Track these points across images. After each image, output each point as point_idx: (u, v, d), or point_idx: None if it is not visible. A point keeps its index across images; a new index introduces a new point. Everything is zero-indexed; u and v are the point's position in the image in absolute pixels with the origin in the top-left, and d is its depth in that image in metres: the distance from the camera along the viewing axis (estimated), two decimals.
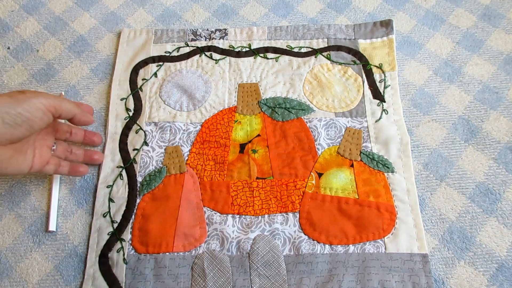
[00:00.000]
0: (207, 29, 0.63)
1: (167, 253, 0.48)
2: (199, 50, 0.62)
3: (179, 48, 0.62)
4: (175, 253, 0.48)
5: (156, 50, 0.62)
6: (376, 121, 0.56)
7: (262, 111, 0.57)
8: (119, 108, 0.58)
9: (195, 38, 0.63)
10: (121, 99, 0.58)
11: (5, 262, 0.49)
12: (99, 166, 0.54)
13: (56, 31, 0.65)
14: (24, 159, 0.45)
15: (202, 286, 0.46)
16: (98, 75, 0.61)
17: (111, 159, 0.54)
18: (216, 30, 0.63)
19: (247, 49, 0.62)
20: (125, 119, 0.57)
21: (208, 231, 0.49)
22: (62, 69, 0.62)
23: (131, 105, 0.58)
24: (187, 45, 0.62)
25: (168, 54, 0.61)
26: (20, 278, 0.48)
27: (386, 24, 0.62)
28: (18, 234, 0.50)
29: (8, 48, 0.64)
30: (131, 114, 0.57)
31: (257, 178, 0.52)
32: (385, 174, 0.52)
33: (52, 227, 0.50)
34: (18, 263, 0.49)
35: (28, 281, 0.48)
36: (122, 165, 0.53)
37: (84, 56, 0.63)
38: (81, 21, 0.66)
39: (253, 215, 0.50)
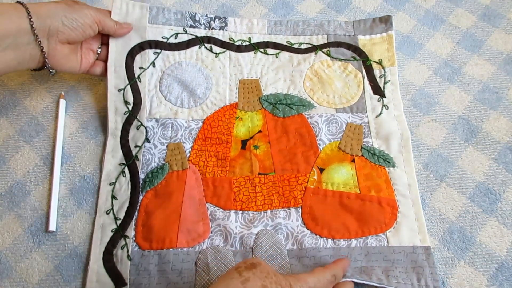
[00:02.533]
0: (206, 15, 0.62)
1: (171, 249, 0.48)
2: (199, 41, 0.61)
3: (177, 34, 0.60)
4: (179, 249, 0.48)
5: (152, 34, 0.59)
6: (376, 117, 0.56)
7: (263, 107, 0.57)
8: (117, 101, 0.56)
9: (194, 24, 0.61)
10: (119, 90, 0.56)
11: (5, 262, 0.49)
12: (101, 164, 0.54)
13: None
14: (76, 58, 0.54)
15: (206, 280, 0.46)
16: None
17: (112, 156, 0.54)
18: (215, 17, 0.62)
19: (247, 43, 0.61)
20: (124, 114, 0.56)
21: (211, 227, 0.50)
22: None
23: (129, 98, 0.56)
24: (186, 32, 0.61)
25: (165, 40, 0.60)
26: (20, 278, 0.48)
27: (385, 20, 0.63)
28: (18, 234, 0.50)
29: None
30: (130, 108, 0.56)
31: (259, 174, 0.53)
32: (386, 168, 0.52)
33: (52, 227, 0.50)
34: (18, 263, 0.49)
35: (28, 281, 0.48)
36: (124, 162, 0.53)
37: None
38: None
39: (255, 211, 0.50)
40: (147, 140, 0.55)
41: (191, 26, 0.61)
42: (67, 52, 0.52)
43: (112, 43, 0.57)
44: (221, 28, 0.62)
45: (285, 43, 0.62)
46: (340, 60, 0.60)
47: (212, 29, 0.62)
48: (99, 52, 0.57)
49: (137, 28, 0.59)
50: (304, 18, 0.66)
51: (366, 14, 0.66)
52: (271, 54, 0.61)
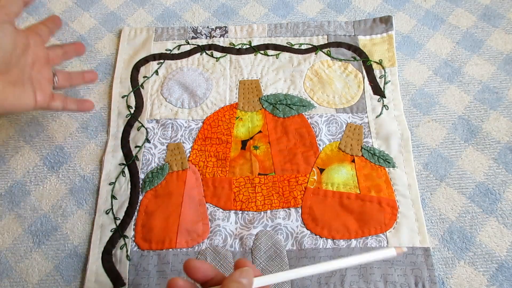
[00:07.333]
0: (208, 27, 0.64)
1: (170, 249, 0.48)
2: (200, 49, 0.62)
3: (179, 46, 0.62)
4: (178, 249, 0.48)
5: (156, 48, 0.62)
6: (376, 117, 0.56)
7: (263, 107, 0.57)
8: (120, 106, 0.58)
9: (195, 36, 0.63)
10: (122, 97, 0.58)
11: (5, 262, 0.49)
12: (101, 164, 0.54)
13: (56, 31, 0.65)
14: (23, 92, 0.44)
15: None
16: (98, 75, 0.61)
17: (113, 156, 0.54)
18: (216, 27, 0.64)
19: (248, 46, 0.62)
20: (126, 117, 0.57)
21: (210, 227, 0.50)
22: (62, 69, 0.62)
23: (132, 102, 0.58)
24: (188, 43, 0.63)
25: (168, 52, 0.62)
26: (20, 278, 0.48)
27: (386, 21, 0.63)
28: (18, 234, 0.50)
29: None
30: (132, 111, 0.57)
31: (259, 174, 0.53)
32: (386, 169, 0.52)
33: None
34: (18, 263, 0.49)
35: (28, 281, 0.48)
36: (124, 162, 0.54)
37: (84, 56, 0.63)
38: (81, 21, 0.66)
39: (255, 211, 0.50)
40: (147, 140, 0.55)
41: (192, 38, 0.63)
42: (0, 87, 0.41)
43: (119, 60, 0.61)
44: (222, 35, 0.63)
45: (285, 44, 0.62)
46: (340, 60, 0.60)
47: (213, 37, 0.63)
48: (56, 81, 0.49)
49: (143, 46, 0.62)
50: (304, 18, 0.66)
51: (366, 14, 0.66)
52: (271, 55, 0.61)
